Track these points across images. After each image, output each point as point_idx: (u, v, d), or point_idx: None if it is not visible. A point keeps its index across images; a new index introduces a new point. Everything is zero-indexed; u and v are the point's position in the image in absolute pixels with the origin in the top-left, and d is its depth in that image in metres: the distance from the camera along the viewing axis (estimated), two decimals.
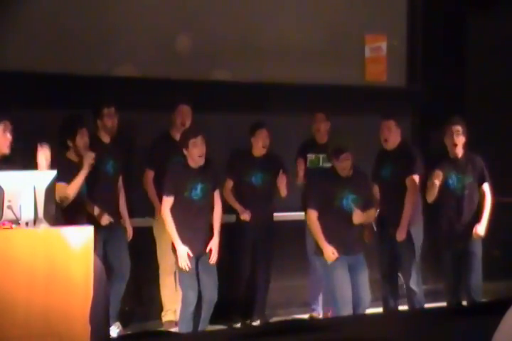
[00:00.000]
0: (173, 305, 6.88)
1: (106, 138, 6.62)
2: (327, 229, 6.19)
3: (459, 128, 6.55)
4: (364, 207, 6.22)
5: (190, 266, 6.11)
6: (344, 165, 6.16)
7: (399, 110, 7.69)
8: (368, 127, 7.79)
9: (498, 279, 7.37)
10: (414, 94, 8.40)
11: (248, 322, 7.02)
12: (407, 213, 6.58)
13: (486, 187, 6.57)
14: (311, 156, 7.16)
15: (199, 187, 6.21)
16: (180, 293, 6.79)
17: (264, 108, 7.44)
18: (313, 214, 6.20)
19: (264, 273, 7.03)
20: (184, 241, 6.14)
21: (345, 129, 7.41)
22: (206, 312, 6.25)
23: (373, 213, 6.43)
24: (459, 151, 6.58)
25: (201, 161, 6.19)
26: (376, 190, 6.83)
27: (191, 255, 6.12)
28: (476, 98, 8.51)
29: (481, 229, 6.45)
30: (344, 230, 6.20)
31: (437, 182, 6.45)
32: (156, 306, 6.95)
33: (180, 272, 6.20)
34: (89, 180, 6.25)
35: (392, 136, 6.75)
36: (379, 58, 8.35)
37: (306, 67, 7.82)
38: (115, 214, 6.56)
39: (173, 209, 6.18)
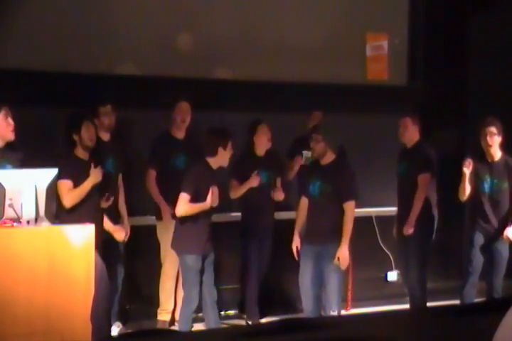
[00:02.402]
0: (170, 306, 6.89)
1: (105, 137, 6.62)
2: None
3: (493, 129, 6.52)
4: (339, 198, 6.09)
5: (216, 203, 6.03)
6: (314, 146, 6.17)
7: (400, 108, 7.70)
8: (369, 125, 7.80)
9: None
10: (415, 93, 8.39)
11: (248, 320, 7.04)
12: (415, 210, 6.64)
13: None
14: (307, 153, 7.01)
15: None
16: (180, 295, 6.81)
17: (264, 106, 7.43)
18: (302, 201, 6.34)
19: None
20: (191, 240, 6.09)
21: (347, 128, 7.41)
22: (212, 311, 6.20)
23: (350, 206, 6.10)
24: (495, 153, 6.56)
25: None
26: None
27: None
28: (477, 96, 8.50)
29: (511, 232, 6.48)
30: (311, 217, 6.21)
31: (466, 171, 6.48)
32: (152, 305, 6.95)
33: (185, 273, 6.16)
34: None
35: (408, 134, 6.78)
36: (380, 57, 8.35)
37: (307, 66, 7.82)
38: (114, 212, 6.56)
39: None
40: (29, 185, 5.10)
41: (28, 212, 5.08)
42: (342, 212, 6.09)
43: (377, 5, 8.30)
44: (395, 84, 8.39)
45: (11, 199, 5.06)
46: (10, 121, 5.68)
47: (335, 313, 6.05)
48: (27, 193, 5.08)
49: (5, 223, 5.04)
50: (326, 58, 7.99)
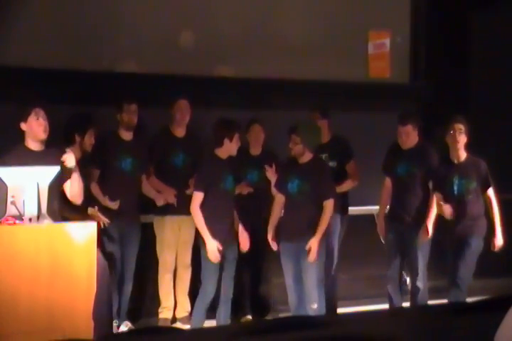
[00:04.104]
0: (170, 303, 6.88)
1: (126, 136, 6.62)
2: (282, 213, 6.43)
3: (461, 126, 6.52)
4: (316, 197, 6.23)
5: (219, 259, 6.12)
6: (292, 145, 6.29)
7: (402, 107, 7.69)
8: (372, 124, 7.80)
9: (501, 276, 7.38)
10: (418, 91, 8.39)
11: (251, 318, 7.04)
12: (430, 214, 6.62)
13: (491, 192, 6.54)
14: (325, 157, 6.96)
15: (230, 178, 6.28)
16: (179, 291, 6.82)
17: (266, 104, 7.43)
18: (278, 198, 6.45)
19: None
20: (215, 234, 6.14)
21: (349, 126, 7.41)
22: (225, 308, 6.29)
23: (329, 204, 6.27)
24: (461, 152, 6.54)
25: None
26: (388, 182, 6.91)
27: (221, 248, 6.12)
28: (479, 94, 8.50)
29: (499, 241, 6.48)
30: (289, 215, 6.32)
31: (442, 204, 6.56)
32: (154, 303, 6.95)
33: (205, 264, 6.19)
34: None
35: (410, 140, 6.76)
36: (382, 55, 8.35)
37: (309, 64, 7.82)
38: (133, 212, 6.57)
39: (207, 202, 6.17)
40: (31, 182, 5.11)
41: (30, 210, 5.10)
42: (319, 210, 6.25)
43: (379, 3, 8.30)
44: (398, 82, 8.39)
45: (13, 196, 5.07)
46: (41, 121, 5.64)
47: (315, 307, 6.17)
48: (29, 190, 5.10)
49: (7, 220, 5.05)
50: (328, 56, 7.99)
